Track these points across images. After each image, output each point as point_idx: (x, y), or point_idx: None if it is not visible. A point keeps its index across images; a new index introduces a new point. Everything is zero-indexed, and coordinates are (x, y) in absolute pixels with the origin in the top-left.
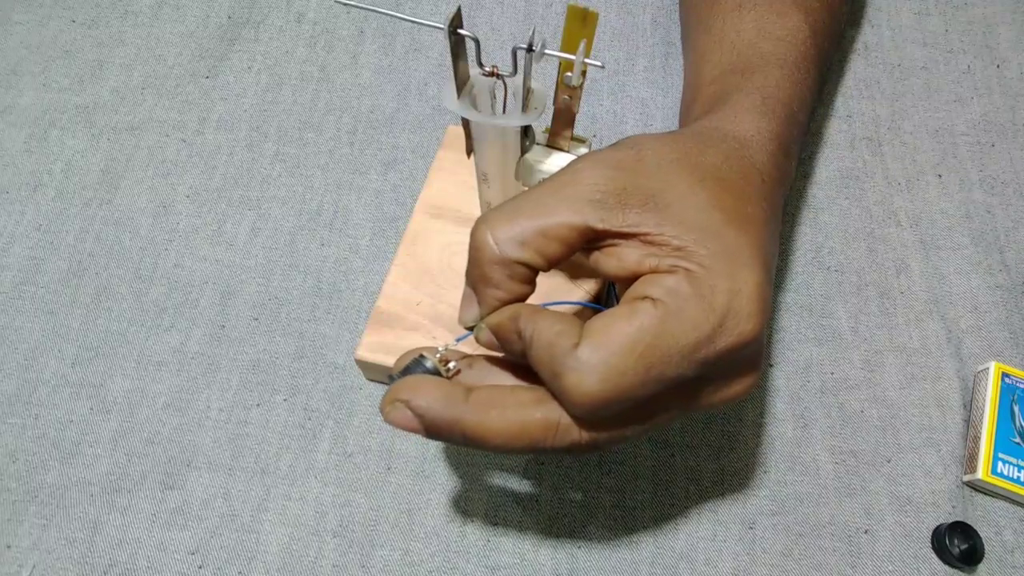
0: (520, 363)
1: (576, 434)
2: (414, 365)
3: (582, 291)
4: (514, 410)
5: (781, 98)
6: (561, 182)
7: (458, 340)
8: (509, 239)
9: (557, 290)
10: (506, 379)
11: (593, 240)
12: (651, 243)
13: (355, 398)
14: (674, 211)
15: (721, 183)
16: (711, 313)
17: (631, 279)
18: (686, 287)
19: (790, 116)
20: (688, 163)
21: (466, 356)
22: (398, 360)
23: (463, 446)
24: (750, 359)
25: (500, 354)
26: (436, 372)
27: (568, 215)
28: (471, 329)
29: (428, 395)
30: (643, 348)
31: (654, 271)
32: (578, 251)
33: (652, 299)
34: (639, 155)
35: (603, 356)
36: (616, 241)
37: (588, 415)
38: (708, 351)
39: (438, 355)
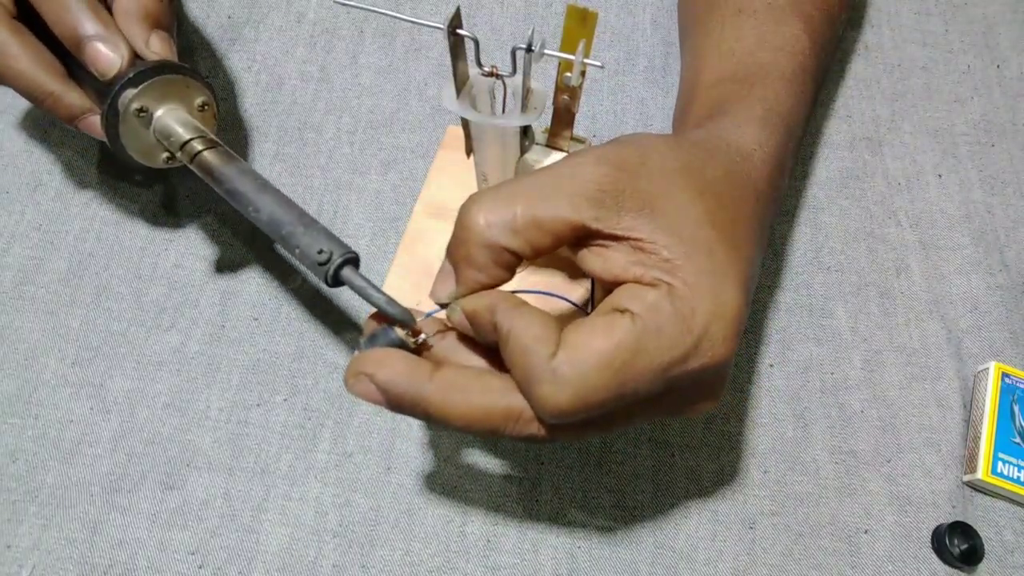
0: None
1: (535, 428)
2: (381, 334)
3: (583, 290)
4: (478, 396)
5: (781, 112)
6: (561, 174)
7: (427, 315)
8: (501, 224)
9: (557, 288)
10: (475, 356)
11: (584, 237)
12: (641, 249)
13: (355, 398)
14: (669, 221)
15: (719, 199)
16: (688, 334)
17: (614, 283)
18: (667, 305)
19: (788, 130)
20: (690, 173)
21: (440, 330)
22: (367, 321)
23: (424, 421)
24: (717, 379)
25: (471, 334)
26: (402, 342)
27: (566, 210)
28: (442, 305)
29: (392, 370)
30: (619, 365)
31: (637, 281)
32: (565, 245)
33: (631, 313)
34: (642, 157)
35: (579, 370)
36: (606, 243)
37: (555, 421)
38: (680, 370)
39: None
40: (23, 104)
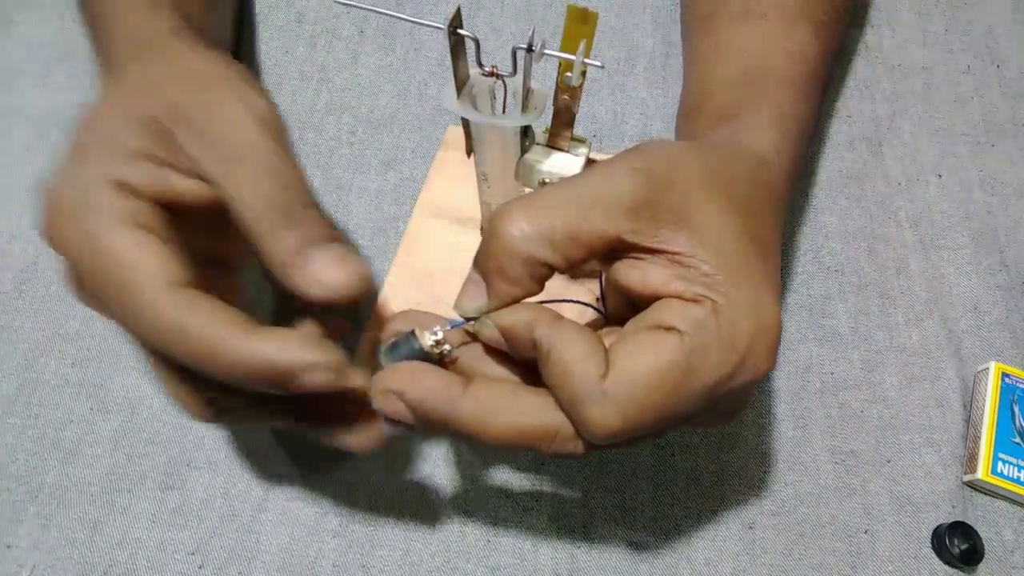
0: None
1: (573, 446)
2: (404, 344)
3: (584, 290)
4: (514, 414)
5: (796, 117)
6: (594, 184)
7: (452, 326)
8: (537, 237)
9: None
10: (501, 368)
11: (618, 250)
12: (679, 263)
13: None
14: (706, 234)
15: (748, 208)
16: (734, 352)
17: (652, 298)
18: (712, 322)
19: (802, 137)
20: (718, 183)
21: (464, 341)
22: (389, 323)
23: (451, 438)
24: (750, 391)
25: (502, 348)
26: (425, 353)
27: (603, 223)
28: (468, 318)
29: (424, 388)
30: (670, 386)
31: (679, 296)
32: (595, 257)
33: (678, 332)
34: (670, 167)
35: (630, 392)
36: (642, 255)
37: (603, 443)
38: (726, 387)
39: (434, 338)
40: (23, 104)
